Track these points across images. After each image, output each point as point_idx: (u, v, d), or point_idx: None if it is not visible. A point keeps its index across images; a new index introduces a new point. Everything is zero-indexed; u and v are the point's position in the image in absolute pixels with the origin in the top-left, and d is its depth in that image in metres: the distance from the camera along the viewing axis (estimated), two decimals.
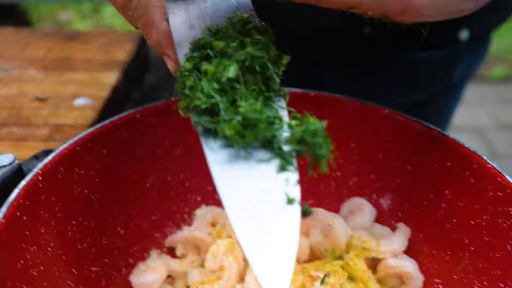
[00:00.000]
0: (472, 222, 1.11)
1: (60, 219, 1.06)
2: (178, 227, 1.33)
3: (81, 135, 1.14)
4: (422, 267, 1.19)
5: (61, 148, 1.09)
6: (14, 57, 1.83)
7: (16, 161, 1.19)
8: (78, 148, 1.12)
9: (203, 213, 1.33)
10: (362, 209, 1.29)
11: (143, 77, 1.96)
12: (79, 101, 1.59)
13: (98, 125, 1.18)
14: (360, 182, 1.34)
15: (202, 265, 1.25)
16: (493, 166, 1.07)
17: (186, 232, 1.25)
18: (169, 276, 1.23)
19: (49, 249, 1.02)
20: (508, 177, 1.04)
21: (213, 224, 1.33)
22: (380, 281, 1.19)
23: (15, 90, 1.64)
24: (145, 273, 1.18)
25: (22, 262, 0.94)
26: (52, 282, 1.00)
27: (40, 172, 1.03)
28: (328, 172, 1.26)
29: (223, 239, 1.23)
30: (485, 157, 1.10)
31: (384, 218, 1.30)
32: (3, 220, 0.91)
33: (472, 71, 1.84)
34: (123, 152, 1.23)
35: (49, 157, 1.06)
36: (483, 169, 1.09)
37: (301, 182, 1.32)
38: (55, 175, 1.06)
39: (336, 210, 1.36)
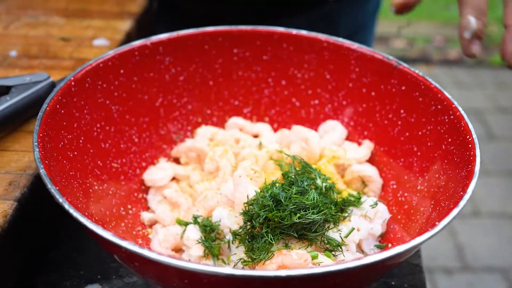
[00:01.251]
0: (420, 133, 1.37)
1: (87, 120, 1.33)
2: (182, 141, 1.60)
3: (103, 55, 1.40)
4: (382, 173, 1.46)
5: (88, 63, 1.35)
6: (39, 7, 2.07)
7: (51, 78, 1.46)
8: (101, 65, 1.38)
9: (203, 131, 1.59)
10: (335, 129, 1.55)
11: (154, 26, 2.21)
12: (98, 42, 1.84)
13: (117, 49, 1.44)
14: (334, 108, 1.60)
15: (202, 171, 1.52)
16: (435, 86, 1.33)
17: (189, 143, 1.52)
18: (174, 178, 1.50)
19: (80, 141, 1.28)
20: (445, 93, 1.30)
21: (211, 140, 1.60)
22: (347, 183, 1.45)
23: (43, 32, 1.89)
24: (155, 172, 1.44)
25: (62, 143, 1.20)
26: (83, 166, 1.27)
27: (72, 79, 1.29)
28: (308, 100, 1.53)
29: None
30: (429, 79, 1.36)
31: (353, 137, 1.56)
32: (47, 108, 1.17)
33: (361, 23, 1.95)
34: (137, 74, 1.49)
35: (79, 69, 1.32)
36: (428, 88, 1.35)
37: (285, 109, 1.59)
38: (83, 83, 1.32)
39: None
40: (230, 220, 1.27)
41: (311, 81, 1.62)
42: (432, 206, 1.19)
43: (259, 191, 1.26)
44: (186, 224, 1.32)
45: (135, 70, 1.48)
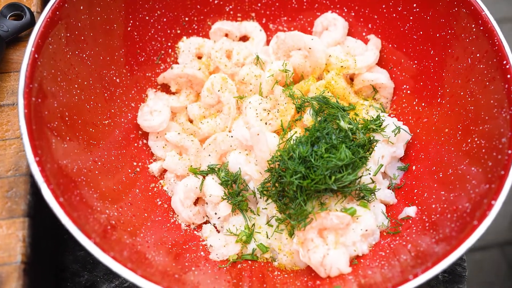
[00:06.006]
0: (437, 35, 1.24)
1: (64, 87, 1.10)
2: (165, 62, 1.39)
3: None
4: (391, 73, 1.36)
5: (42, 18, 1.07)
6: None
7: None
8: (57, 12, 1.10)
9: (186, 45, 1.38)
10: (335, 24, 1.38)
11: None
12: None
13: None
14: None
15: (197, 98, 1.37)
16: None
17: (176, 70, 1.32)
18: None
19: (66, 118, 1.09)
20: None
21: (199, 56, 1.40)
22: (356, 92, 1.36)
23: None
24: (151, 117, 1.28)
25: (53, 132, 1.02)
26: (80, 148, 1.11)
27: (33, 50, 1.03)
28: None
29: (214, 74, 1.33)
30: None
31: (356, 30, 1.40)
32: (25, 102, 0.97)
33: None
34: (98, 2, 1.20)
35: (35, 34, 1.05)
36: None
37: (273, 0, 1.36)
38: (47, 48, 1.06)
39: (310, 25, 1.44)
40: (249, 167, 1.20)
41: None
42: (460, 133, 1.15)
43: (280, 141, 1.18)
44: (202, 173, 1.25)
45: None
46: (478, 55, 1.14)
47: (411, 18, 1.29)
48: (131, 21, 1.29)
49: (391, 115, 1.34)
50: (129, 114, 1.30)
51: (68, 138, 1.07)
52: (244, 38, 1.45)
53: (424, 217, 1.11)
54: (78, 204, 0.96)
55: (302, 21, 1.44)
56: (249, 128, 1.22)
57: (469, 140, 1.12)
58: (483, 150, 1.06)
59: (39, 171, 0.91)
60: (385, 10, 1.33)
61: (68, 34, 1.13)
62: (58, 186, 0.93)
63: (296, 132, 1.17)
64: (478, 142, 1.09)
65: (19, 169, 1.09)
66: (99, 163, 1.15)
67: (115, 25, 1.26)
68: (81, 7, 1.16)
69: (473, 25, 1.14)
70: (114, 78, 1.27)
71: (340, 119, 1.15)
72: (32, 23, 1.27)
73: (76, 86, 1.15)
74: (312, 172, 1.07)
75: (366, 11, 1.37)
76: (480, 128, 1.10)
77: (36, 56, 1.03)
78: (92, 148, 1.15)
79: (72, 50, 1.14)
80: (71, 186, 0.99)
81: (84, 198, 1.01)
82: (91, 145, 1.15)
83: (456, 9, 1.18)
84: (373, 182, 1.18)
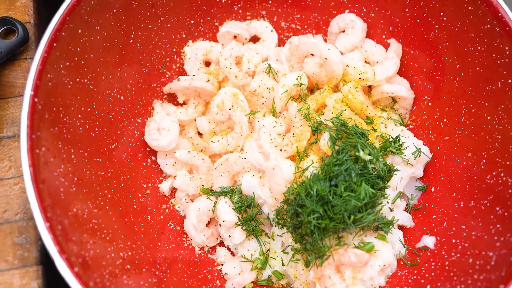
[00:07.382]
0: (465, 49, 1.14)
1: (68, 121, 1.04)
2: (171, 69, 1.30)
3: (52, 25, 1.00)
4: (412, 82, 1.28)
5: (39, 52, 0.98)
6: None
7: None
8: (55, 44, 1.00)
9: (193, 51, 1.28)
10: (353, 27, 1.27)
11: None
12: None
13: (62, 7, 1.03)
14: None
15: (206, 108, 1.30)
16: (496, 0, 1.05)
17: (184, 82, 1.24)
18: None
19: (72, 151, 1.04)
20: (510, 13, 1.04)
21: (207, 63, 1.31)
22: (374, 102, 1.28)
23: None
24: (159, 136, 1.22)
25: (62, 171, 0.98)
26: (89, 185, 1.06)
27: (33, 93, 0.95)
28: None
29: (224, 87, 1.25)
30: None
31: (375, 31, 1.30)
32: (30, 161, 0.91)
33: None
34: (98, 21, 1.09)
35: (32, 73, 0.96)
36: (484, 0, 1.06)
37: None
38: (46, 86, 0.98)
39: (325, 24, 1.33)
40: (263, 191, 1.17)
41: None
42: (484, 161, 1.10)
43: (295, 169, 1.13)
44: (214, 194, 1.22)
45: (94, 18, 1.09)
46: (510, 81, 1.06)
47: (436, 26, 1.19)
48: (133, 33, 1.19)
49: (410, 126, 1.28)
50: (135, 132, 1.24)
51: (75, 178, 1.03)
52: (254, 38, 1.34)
53: (443, 252, 1.09)
54: (92, 263, 0.94)
55: (317, 20, 1.33)
56: (263, 153, 1.16)
57: (494, 173, 1.07)
58: (510, 191, 1.02)
59: (51, 239, 0.88)
60: (408, 14, 1.23)
61: (68, 63, 1.04)
62: (71, 251, 0.90)
63: (312, 162, 1.12)
64: (504, 178, 1.04)
65: (27, 211, 1.05)
66: (109, 196, 1.11)
67: (116, 40, 1.16)
68: (79, 31, 1.06)
69: (506, 48, 1.05)
70: (118, 96, 1.19)
71: (359, 150, 1.10)
72: (26, 39, 1.17)
73: (79, 116, 1.08)
74: (329, 209, 1.04)
75: (387, 13, 1.26)
76: (508, 163, 1.04)
77: (36, 100, 0.95)
78: (100, 181, 1.10)
79: (73, 79, 1.06)
80: (83, 239, 0.96)
81: (98, 249, 0.98)
82: (99, 177, 1.10)
83: (489, 26, 1.08)
84: (391, 210, 1.15)
